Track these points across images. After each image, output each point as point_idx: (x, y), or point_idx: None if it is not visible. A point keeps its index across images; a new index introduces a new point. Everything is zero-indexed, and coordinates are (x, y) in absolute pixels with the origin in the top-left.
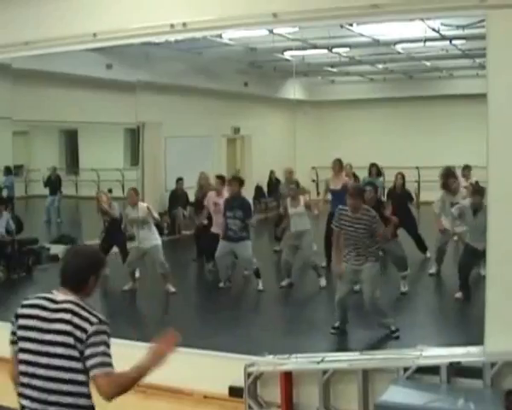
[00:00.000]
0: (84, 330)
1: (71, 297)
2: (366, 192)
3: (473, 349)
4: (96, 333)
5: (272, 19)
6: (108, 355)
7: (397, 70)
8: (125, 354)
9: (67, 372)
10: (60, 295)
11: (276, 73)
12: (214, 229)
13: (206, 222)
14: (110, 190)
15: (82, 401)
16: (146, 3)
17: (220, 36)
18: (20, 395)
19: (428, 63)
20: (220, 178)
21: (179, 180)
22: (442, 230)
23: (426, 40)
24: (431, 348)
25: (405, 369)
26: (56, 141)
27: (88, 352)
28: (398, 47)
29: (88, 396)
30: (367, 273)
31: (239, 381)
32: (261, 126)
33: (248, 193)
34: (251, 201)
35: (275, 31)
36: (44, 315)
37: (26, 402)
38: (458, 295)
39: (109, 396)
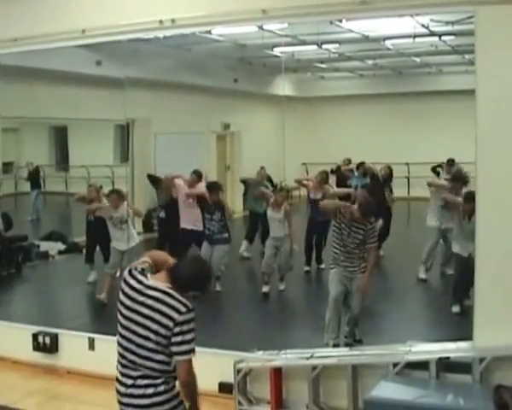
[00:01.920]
0: (171, 318)
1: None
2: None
3: (462, 345)
4: (184, 322)
5: (261, 15)
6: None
7: (386, 66)
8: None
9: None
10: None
11: (265, 70)
12: (186, 224)
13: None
14: (100, 187)
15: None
16: (134, 0)
17: (209, 32)
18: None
19: (418, 59)
20: (196, 173)
21: None
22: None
23: (415, 36)
24: (420, 344)
25: (395, 364)
26: (46, 138)
27: (175, 339)
28: (388, 43)
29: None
30: (358, 283)
31: (229, 377)
32: (251, 122)
33: (238, 189)
34: (240, 197)
35: (264, 27)
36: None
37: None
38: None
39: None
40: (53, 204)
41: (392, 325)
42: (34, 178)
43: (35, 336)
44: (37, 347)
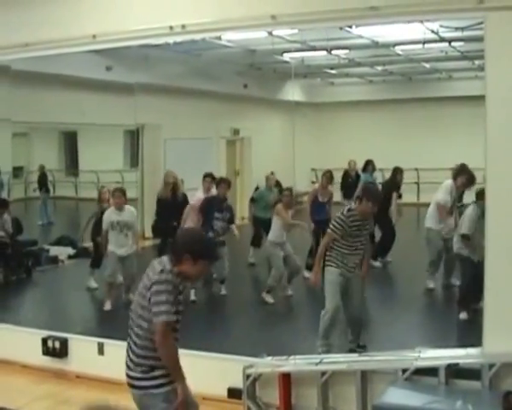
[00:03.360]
0: (149, 278)
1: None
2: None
3: (471, 351)
4: (159, 282)
5: (271, 21)
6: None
7: (396, 72)
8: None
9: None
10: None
11: (275, 75)
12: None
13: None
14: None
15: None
16: (145, 5)
17: (219, 38)
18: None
19: (427, 65)
20: (210, 176)
21: None
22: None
23: (425, 42)
24: (429, 350)
25: (404, 370)
26: (56, 143)
27: (152, 300)
28: (398, 49)
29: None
30: (358, 281)
31: (238, 382)
32: (260, 128)
33: (248, 195)
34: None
35: (274, 33)
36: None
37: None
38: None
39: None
40: (63, 209)
41: (398, 334)
42: (42, 182)
43: (44, 341)
44: (47, 351)
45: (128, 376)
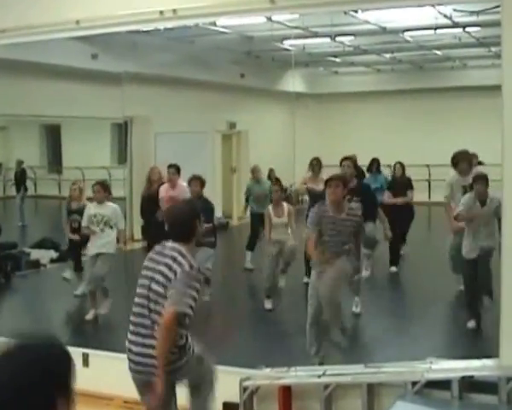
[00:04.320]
0: (174, 272)
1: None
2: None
3: (487, 362)
4: (191, 276)
5: (270, 5)
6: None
7: (405, 60)
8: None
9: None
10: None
11: (274, 64)
12: None
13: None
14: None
15: None
16: None
17: (214, 23)
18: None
19: (440, 52)
20: (174, 167)
21: None
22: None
23: (437, 27)
24: (442, 361)
25: (414, 383)
26: (37, 137)
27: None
28: (407, 35)
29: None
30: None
31: (234, 396)
32: (259, 121)
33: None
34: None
35: (273, 18)
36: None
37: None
38: (471, 324)
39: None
40: (45, 209)
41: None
42: (20, 179)
43: None
44: None
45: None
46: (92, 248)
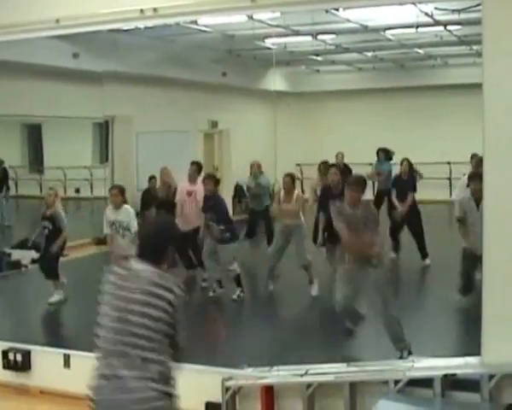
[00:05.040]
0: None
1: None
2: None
3: (470, 360)
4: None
5: (251, 3)
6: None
7: (387, 58)
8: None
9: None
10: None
11: (256, 63)
12: (184, 226)
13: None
14: (78, 190)
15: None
16: None
17: (195, 22)
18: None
19: (421, 51)
20: (196, 164)
21: (152, 179)
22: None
23: (418, 26)
24: (424, 359)
25: (396, 382)
26: (18, 137)
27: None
28: (388, 33)
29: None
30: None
31: (216, 396)
32: (240, 120)
33: (227, 192)
34: (229, 201)
35: (254, 16)
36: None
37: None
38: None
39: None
40: (26, 209)
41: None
42: (2, 179)
43: (5, 353)
44: (8, 364)
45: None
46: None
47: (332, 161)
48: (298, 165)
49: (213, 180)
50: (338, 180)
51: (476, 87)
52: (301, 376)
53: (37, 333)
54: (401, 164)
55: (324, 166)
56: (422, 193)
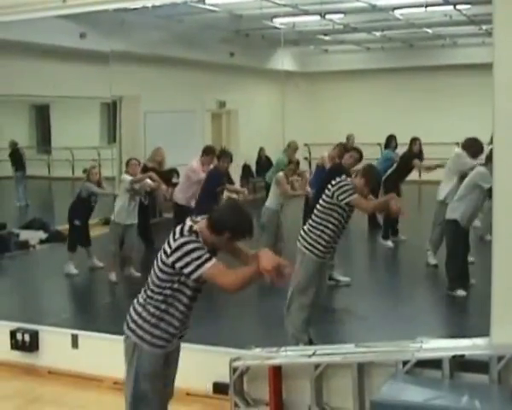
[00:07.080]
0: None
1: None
2: None
3: (478, 341)
4: (184, 243)
5: None
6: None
7: (396, 38)
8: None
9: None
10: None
11: (264, 42)
12: (181, 200)
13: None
14: (85, 170)
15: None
16: None
17: (203, 1)
18: None
19: (430, 30)
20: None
21: None
22: None
23: (427, 5)
24: (432, 340)
25: (404, 363)
26: (26, 117)
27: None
28: (397, 13)
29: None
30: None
31: (224, 377)
32: (248, 100)
33: (236, 172)
34: (237, 180)
35: None
36: None
37: None
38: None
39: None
40: (34, 189)
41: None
42: (17, 160)
43: (13, 334)
44: (16, 345)
45: None
46: (127, 219)
47: (340, 140)
48: (306, 145)
49: (229, 158)
50: (352, 164)
51: (486, 67)
52: (309, 356)
53: (45, 312)
54: (410, 144)
55: (340, 149)
56: (430, 174)
